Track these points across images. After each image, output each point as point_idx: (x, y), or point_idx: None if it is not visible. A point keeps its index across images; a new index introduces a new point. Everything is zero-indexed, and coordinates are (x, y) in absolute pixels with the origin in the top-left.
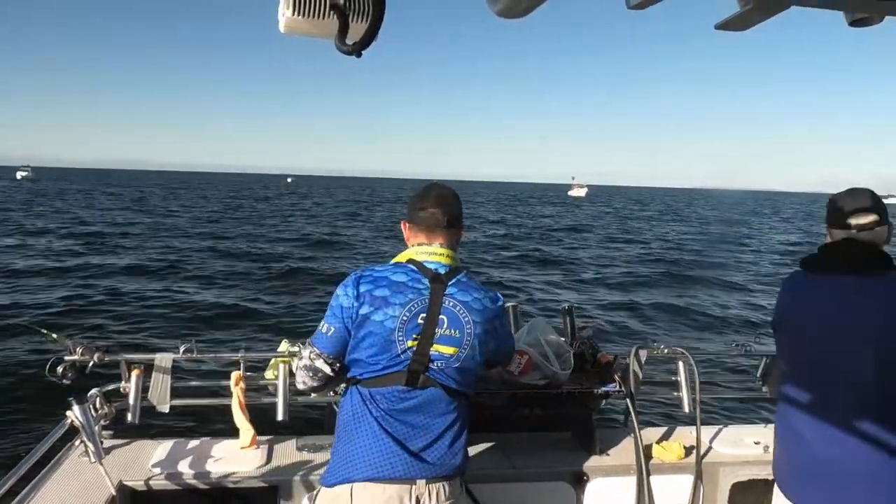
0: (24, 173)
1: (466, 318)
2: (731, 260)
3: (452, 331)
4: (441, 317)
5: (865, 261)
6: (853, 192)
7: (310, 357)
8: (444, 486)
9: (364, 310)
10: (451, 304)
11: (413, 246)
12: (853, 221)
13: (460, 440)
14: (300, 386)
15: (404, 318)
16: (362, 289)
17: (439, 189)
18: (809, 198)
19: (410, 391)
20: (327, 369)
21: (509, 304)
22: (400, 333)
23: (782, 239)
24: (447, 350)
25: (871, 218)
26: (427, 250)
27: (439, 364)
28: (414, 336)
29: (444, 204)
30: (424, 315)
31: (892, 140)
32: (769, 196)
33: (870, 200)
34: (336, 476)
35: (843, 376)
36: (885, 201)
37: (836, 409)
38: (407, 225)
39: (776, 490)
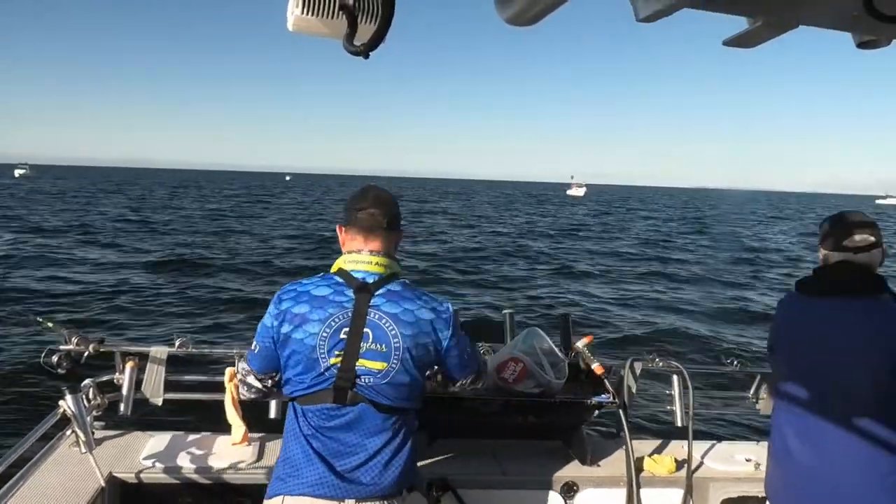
0: (22, 171)
1: (393, 332)
2: (730, 262)
3: (378, 345)
4: (366, 330)
5: (859, 283)
6: (849, 215)
7: (242, 372)
8: None
9: (285, 328)
10: (377, 316)
11: (345, 253)
12: (849, 243)
13: (400, 457)
14: (243, 397)
15: (324, 334)
16: (283, 306)
17: (377, 190)
18: (808, 198)
19: (340, 408)
20: (258, 384)
21: (507, 311)
22: (322, 350)
23: (782, 244)
24: (374, 365)
25: (868, 240)
26: (356, 258)
27: (367, 380)
28: (336, 352)
29: (383, 204)
30: (347, 329)
31: (891, 140)
32: (768, 196)
33: (866, 223)
34: (273, 489)
35: (835, 397)
36: (885, 201)
37: (829, 429)
38: (343, 229)
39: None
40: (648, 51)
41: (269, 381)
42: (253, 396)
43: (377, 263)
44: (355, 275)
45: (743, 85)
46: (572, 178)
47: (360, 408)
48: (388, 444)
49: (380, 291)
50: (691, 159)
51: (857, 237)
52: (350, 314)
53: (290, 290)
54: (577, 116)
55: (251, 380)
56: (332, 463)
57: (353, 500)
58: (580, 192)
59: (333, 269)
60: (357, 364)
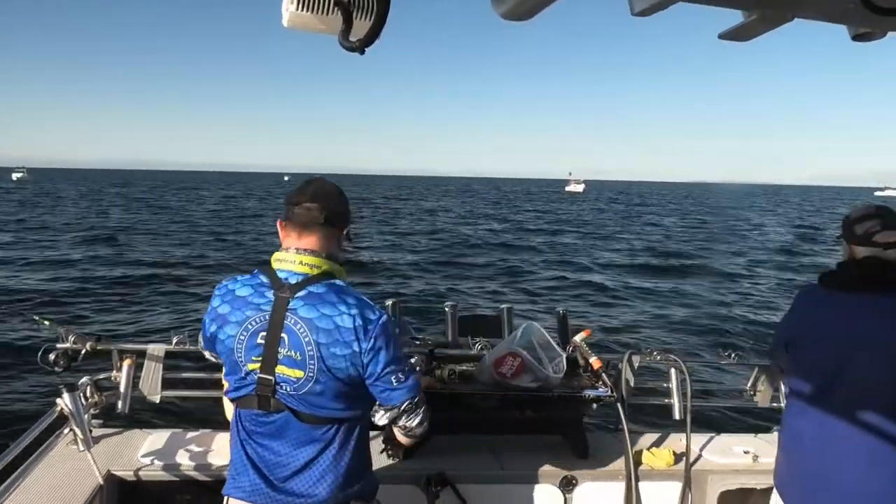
0: (19, 174)
1: (307, 339)
2: (729, 253)
3: (294, 352)
4: (283, 335)
5: (886, 279)
6: (877, 209)
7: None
8: None
9: (212, 327)
10: (293, 321)
11: (280, 250)
12: (879, 239)
13: (337, 469)
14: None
15: (241, 337)
16: (214, 303)
17: (319, 183)
18: (804, 190)
19: (267, 415)
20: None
21: (504, 306)
22: (239, 354)
23: (779, 236)
24: (292, 373)
25: None
26: (283, 256)
27: (286, 387)
28: (254, 358)
29: (322, 199)
30: (264, 333)
31: (887, 133)
32: (765, 188)
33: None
34: (225, 487)
35: (860, 393)
36: (883, 193)
37: (850, 427)
38: (281, 224)
39: (775, 498)
40: (646, 47)
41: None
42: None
43: (303, 262)
44: (280, 274)
45: (740, 79)
46: (570, 174)
47: (284, 416)
48: (320, 456)
49: (300, 293)
50: (689, 154)
51: (888, 233)
52: (268, 317)
53: (223, 286)
54: (573, 113)
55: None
56: (264, 471)
57: None
58: (579, 188)
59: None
60: (276, 371)
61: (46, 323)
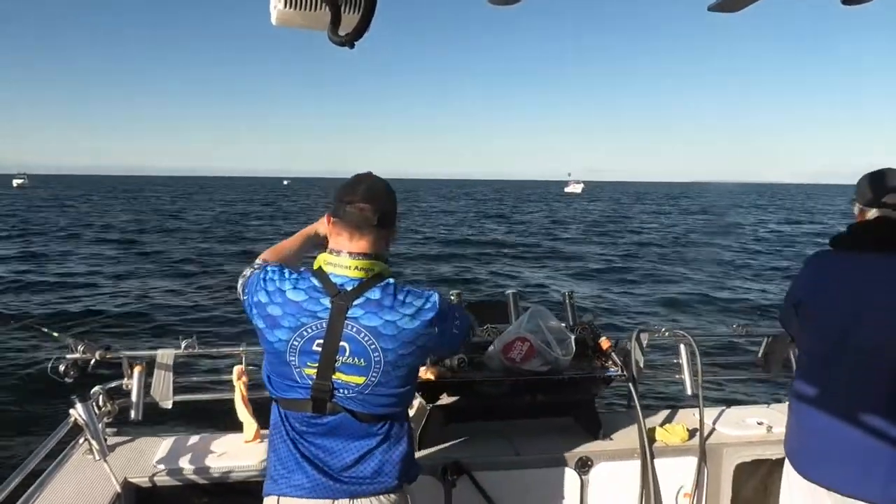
0: (20, 181)
1: (373, 346)
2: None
3: (357, 359)
4: (342, 343)
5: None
6: (890, 171)
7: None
8: (373, 500)
9: (259, 323)
10: (355, 329)
11: (329, 249)
12: (889, 199)
13: (392, 457)
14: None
15: (295, 343)
16: (260, 297)
17: (371, 181)
18: (806, 188)
19: (320, 417)
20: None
21: (510, 292)
22: (293, 359)
23: (775, 228)
24: (352, 379)
25: None
26: (336, 261)
27: (346, 392)
28: (310, 364)
29: (375, 199)
30: (321, 341)
31: (888, 129)
32: (766, 188)
33: None
34: (268, 488)
35: (869, 355)
36: None
37: (859, 389)
38: (331, 220)
39: (787, 466)
40: (645, 45)
41: None
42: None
43: (357, 268)
44: (333, 279)
45: (736, 79)
46: (569, 175)
47: (341, 417)
48: (376, 448)
49: (358, 301)
50: (685, 154)
51: None
52: (325, 325)
53: (271, 279)
54: (569, 112)
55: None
56: (320, 465)
57: (347, 499)
58: (578, 188)
59: (315, 265)
60: (333, 377)
61: (55, 334)
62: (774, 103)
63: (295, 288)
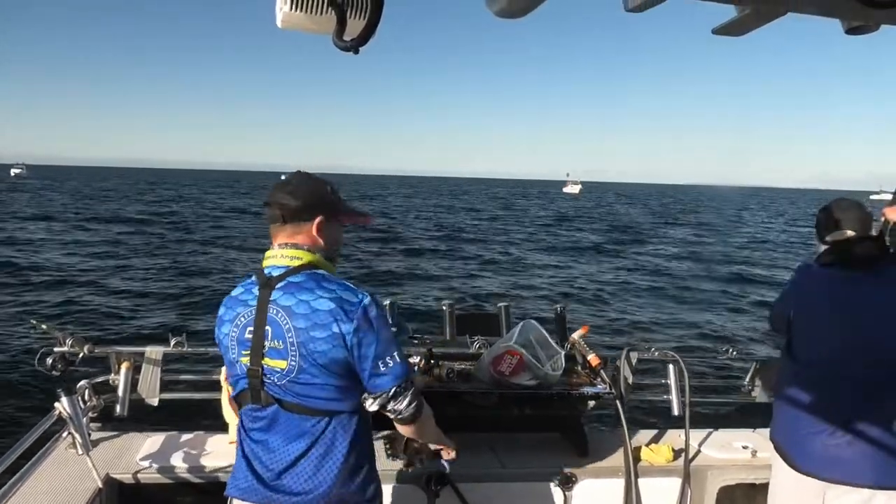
0: (18, 170)
1: (287, 325)
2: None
3: (276, 342)
4: (267, 327)
5: (878, 255)
6: (829, 210)
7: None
8: None
9: (216, 331)
10: (275, 310)
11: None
12: (833, 238)
13: (331, 465)
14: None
15: (233, 333)
16: (219, 311)
17: (285, 181)
18: (801, 193)
19: (260, 409)
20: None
21: (502, 304)
22: (233, 351)
23: (774, 237)
24: (276, 364)
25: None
26: (269, 253)
27: (274, 379)
28: (244, 352)
29: (283, 196)
30: (251, 328)
31: (885, 135)
32: (763, 192)
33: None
34: (227, 487)
35: (856, 359)
36: (878, 196)
37: (845, 395)
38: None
39: (774, 456)
40: (643, 45)
41: None
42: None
43: (283, 255)
44: (266, 270)
45: (735, 82)
46: (568, 175)
47: (273, 409)
48: (311, 449)
49: (280, 284)
50: (683, 157)
51: (864, 214)
52: (254, 312)
53: (226, 297)
54: (567, 112)
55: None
56: (258, 468)
57: None
58: (576, 189)
59: None
60: (263, 363)
61: (44, 326)
62: (767, 111)
63: (238, 287)
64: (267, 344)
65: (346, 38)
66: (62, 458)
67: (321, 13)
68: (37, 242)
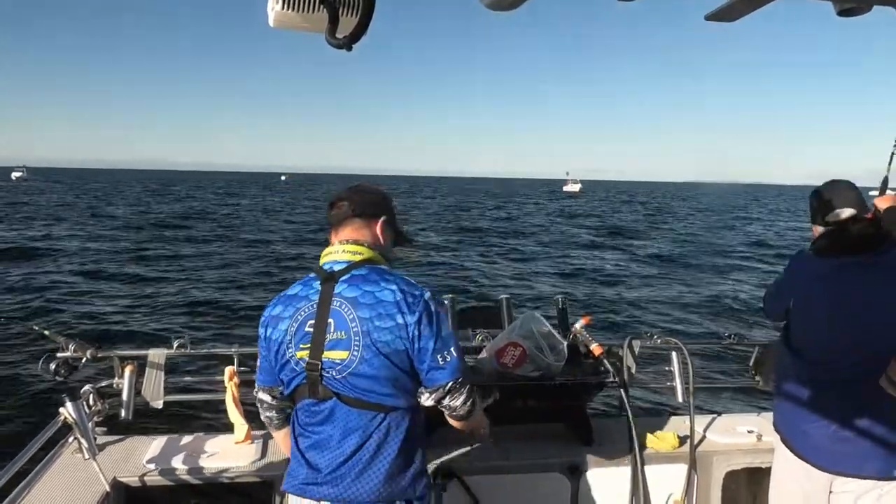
0: (19, 174)
1: (351, 315)
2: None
3: (339, 333)
4: (329, 320)
5: (873, 241)
6: (827, 189)
7: (255, 392)
8: None
9: (267, 332)
10: (338, 303)
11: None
12: (832, 218)
13: (382, 462)
14: (263, 419)
15: (291, 328)
16: (266, 313)
17: (355, 185)
18: (799, 189)
19: (318, 404)
20: (269, 398)
21: (503, 297)
22: (290, 345)
23: (768, 232)
24: (337, 355)
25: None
26: (328, 250)
27: (333, 372)
28: (302, 346)
29: (352, 195)
30: (313, 321)
31: (882, 130)
32: (760, 189)
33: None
34: (284, 482)
35: (854, 350)
36: (874, 192)
37: (845, 388)
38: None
39: (779, 446)
40: (643, 45)
41: (279, 394)
42: (268, 414)
43: (345, 251)
44: (325, 266)
45: (732, 79)
46: (568, 174)
47: (332, 402)
48: (364, 445)
49: (344, 277)
50: (681, 154)
51: (858, 192)
52: (315, 306)
53: (275, 299)
54: (565, 112)
55: (262, 395)
56: (313, 462)
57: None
58: (576, 187)
59: None
60: (323, 356)
61: (46, 332)
62: (765, 107)
63: (294, 286)
64: (328, 336)
65: (339, 35)
66: (69, 463)
67: (313, 11)
68: (37, 245)
